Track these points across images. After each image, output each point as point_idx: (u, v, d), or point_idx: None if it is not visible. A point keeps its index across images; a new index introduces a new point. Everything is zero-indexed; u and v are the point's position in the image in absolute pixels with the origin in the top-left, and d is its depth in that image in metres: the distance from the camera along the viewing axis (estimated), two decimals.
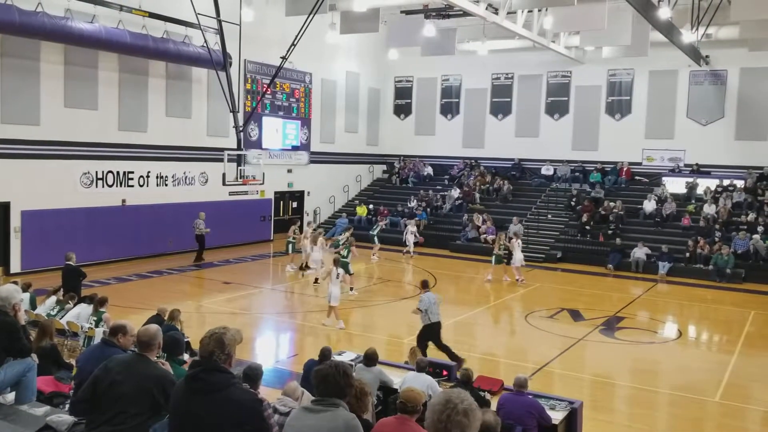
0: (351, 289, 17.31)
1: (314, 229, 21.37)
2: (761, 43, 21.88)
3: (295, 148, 27.67)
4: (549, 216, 26.24)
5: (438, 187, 29.67)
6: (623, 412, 10.48)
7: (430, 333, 11.55)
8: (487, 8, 19.73)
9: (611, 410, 10.42)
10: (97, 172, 20.11)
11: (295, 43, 20.80)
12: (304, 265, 20.53)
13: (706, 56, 25.35)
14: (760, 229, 21.95)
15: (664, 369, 12.77)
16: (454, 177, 30.17)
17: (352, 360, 9.13)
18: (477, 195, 28.22)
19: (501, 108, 30.32)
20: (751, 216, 22.82)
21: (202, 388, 3.76)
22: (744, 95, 25.56)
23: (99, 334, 9.65)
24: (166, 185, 22.19)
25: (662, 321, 16.68)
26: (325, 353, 8.35)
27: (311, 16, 20.00)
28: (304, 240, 20.67)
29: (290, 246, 20.93)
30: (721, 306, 18.30)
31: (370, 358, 8.30)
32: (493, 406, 7.61)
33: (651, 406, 10.69)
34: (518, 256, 20.08)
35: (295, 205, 28.38)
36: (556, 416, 7.73)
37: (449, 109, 31.62)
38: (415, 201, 28.46)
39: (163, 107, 21.99)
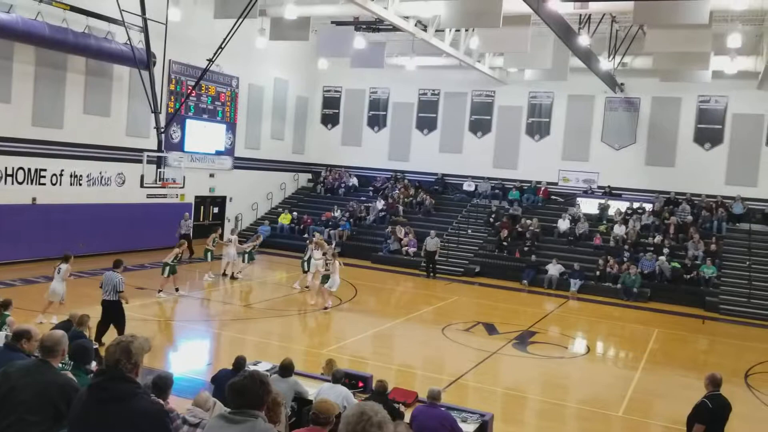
0: (177, 289, 17.39)
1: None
2: (671, 74, 23.12)
3: (218, 153, 27.20)
4: (469, 231, 26.78)
5: (362, 198, 29.79)
6: (532, 425, 10.79)
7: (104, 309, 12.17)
8: (416, 25, 20.09)
9: (521, 423, 10.71)
10: (6, 168, 19.14)
11: (222, 46, 20.51)
12: (227, 271, 20.46)
13: (622, 84, 26.61)
14: (665, 251, 23.11)
15: (573, 383, 13.24)
16: (378, 189, 30.38)
17: (267, 370, 9.02)
18: (400, 207, 28.51)
19: (427, 123, 30.81)
20: (658, 238, 24.02)
21: (106, 397, 3.63)
22: (654, 123, 26.97)
23: (1, 338, 9.16)
24: (80, 185, 21.34)
25: (572, 336, 17.29)
26: (240, 362, 8.24)
27: (240, 20, 19.79)
28: (226, 246, 20.46)
29: (209, 254, 20.48)
30: (628, 323, 19.13)
31: (285, 369, 8.25)
32: (408, 417, 7.69)
33: (559, 419, 11.05)
34: (336, 280, 17.03)
35: (216, 210, 27.84)
36: (468, 428, 7.89)
37: (376, 121, 31.87)
38: (339, 211, 28.45)
39: (81, 104, 21.19)
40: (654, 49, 19.30)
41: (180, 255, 17.50)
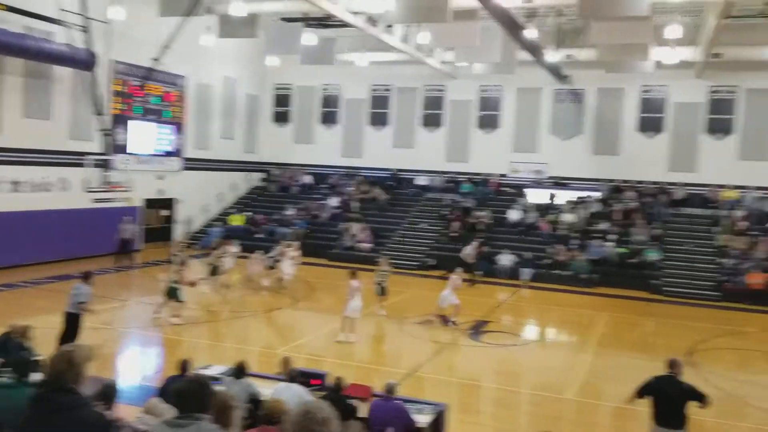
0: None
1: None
2: (615, 65, 23.66)
3: (167, 154, 26.73)
4: (424, 225, 26.95)
5: (317, 196, 29.68)
6: (488, 413, 10.97)
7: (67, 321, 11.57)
8: (366, 20, 20.06)
9: (477, 411, 10.88)
10: None
11: (168, 44, 20.15)
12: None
13: (568, 76, 27.10)
14: (612, 237, 23.71)
15: (526, 370, 13.50)
16: (333, 186, 30.31)
17: (222, 373, 8.94)
18: (355, 204, 28.50)
19: (379, 119, 30.88)
20: (605, 225, 24.62)
21: (50, 409, 3.57)
22: (600, 113, 27.61)
23: None
24: (21, 191, 20.69)
25: (524, 324, 17.62)
26: (184, 366, 8.14)
27: (186, 18, 19.47)
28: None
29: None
30: (578, 309, 19.57)
31: (239, 370, 8.20)
32: (364, 412, 7.77)
33: (514, 405, 11.27)
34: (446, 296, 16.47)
35: (166, 213, 27.36)
36: (424, 419, 7.97)
37: (329, 118, 31.78)
38: (294, 210, 28.30)
39: (20, 107, 20.53)
40: (598, 41, 19.72)
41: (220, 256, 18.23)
